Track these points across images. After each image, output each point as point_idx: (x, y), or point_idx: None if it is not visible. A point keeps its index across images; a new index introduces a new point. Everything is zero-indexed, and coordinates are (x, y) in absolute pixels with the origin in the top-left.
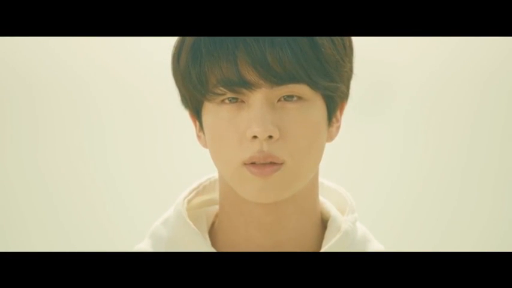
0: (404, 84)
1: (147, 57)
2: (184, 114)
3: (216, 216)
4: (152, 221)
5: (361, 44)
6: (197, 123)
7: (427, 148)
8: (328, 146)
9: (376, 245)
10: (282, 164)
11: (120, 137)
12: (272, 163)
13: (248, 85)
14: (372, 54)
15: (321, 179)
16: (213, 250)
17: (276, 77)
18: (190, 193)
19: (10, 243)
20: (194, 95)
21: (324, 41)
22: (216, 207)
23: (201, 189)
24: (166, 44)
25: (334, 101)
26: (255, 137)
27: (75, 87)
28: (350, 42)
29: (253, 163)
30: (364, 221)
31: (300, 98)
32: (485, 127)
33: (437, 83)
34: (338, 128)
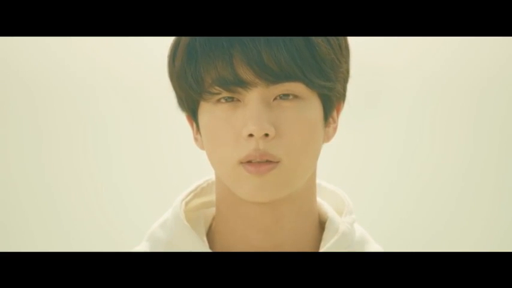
0: (404, 85)
1: (147, 57)
2: (184, 116)
3: (214, 218)
4: (153, 223)
5: (360, 46)
6: (194, 125)
7: (427, 149)
8: (329, 148)
9: (374, 246)
10: (278, 162)
11: (121, 137)
12: (268, 161)
13: (244, 84)
14: (371, 56)
15: (318, 180)
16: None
17: (272, 75)
18: (187, 195)
19: (12, 243)
20: (190, 95)
21: (319, 40)
22: (214, 209)
23: (199, 191)
24: (168, 43)
25: (331, 100)
26: (251, 135)
27: (75, 88)
28: (346, 43)
29: (249, 161)
30: (363, 222)
31: (296, 96)
32: (485, 128)
33: (437, 85)
34: (335, 128)
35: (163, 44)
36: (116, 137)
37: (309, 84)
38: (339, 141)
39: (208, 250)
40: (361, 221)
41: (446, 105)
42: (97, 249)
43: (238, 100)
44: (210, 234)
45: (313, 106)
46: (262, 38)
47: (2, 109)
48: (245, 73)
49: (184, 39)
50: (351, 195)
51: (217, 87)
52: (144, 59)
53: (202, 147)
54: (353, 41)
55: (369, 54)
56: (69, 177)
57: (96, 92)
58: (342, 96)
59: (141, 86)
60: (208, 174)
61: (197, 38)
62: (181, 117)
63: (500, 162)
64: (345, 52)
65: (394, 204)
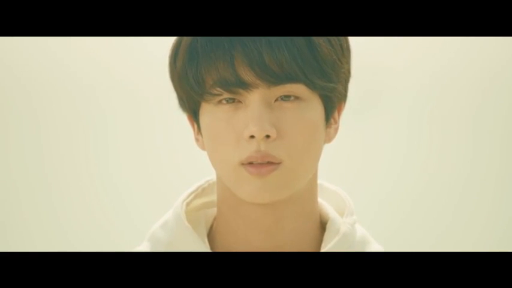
0: (405, 85)
1: (148, 57)
2: (185, 116)
3: (215, 218)
4: (154, 223)
5: (360, 46)
6: (195, 125)
7: (427, 149)
8: (329, 148)
9: (375, 247)
10: (279, 163)
11: (121, 138)
12: (269, 163)
13: (245, 85)
14: (371, 56)
15: (319, 181)
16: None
17: (273, 76)
18: (189, 196)
19: (11, 243)
20: (191, 96)
21: (320, 41)
22: (215, 210)
23: (200, 192)
24: (168, 44)
25: (332, 101)
26: (252, 136)
27: (75, 88)
28: (347, 43)
29: (250, 163)
30: (363, 222)
31: (297, 97)
32: (486, 128)
33: (438, 85)
34: (336, 129)
35: (163, 45)
36: (116, 137)
37: (310, 85)
38: (339, 142)
39: (209, 250)
40: (361, 221)
41: (447, 106)
42: (97, 249)
43: (240, 101)
44: (211, 235)
45: (315, 107)
46: (263, 39)
47: (2, 109)
48: (246, 74)
49: (186, 40)
50: (351, 195)
51: (218, 89)
52: (144, 60)
53: (203, 148)
54: (353, 41)
55: (369, 54)
56: (69, 177)
57: (96, 92)
58: (343, 97)
59: (141, 86)
60: (209, 175)
61: (198, 38)
62: (182, 117)
63: (502, 162)
64: (346, 53)
65: (394, 204)
